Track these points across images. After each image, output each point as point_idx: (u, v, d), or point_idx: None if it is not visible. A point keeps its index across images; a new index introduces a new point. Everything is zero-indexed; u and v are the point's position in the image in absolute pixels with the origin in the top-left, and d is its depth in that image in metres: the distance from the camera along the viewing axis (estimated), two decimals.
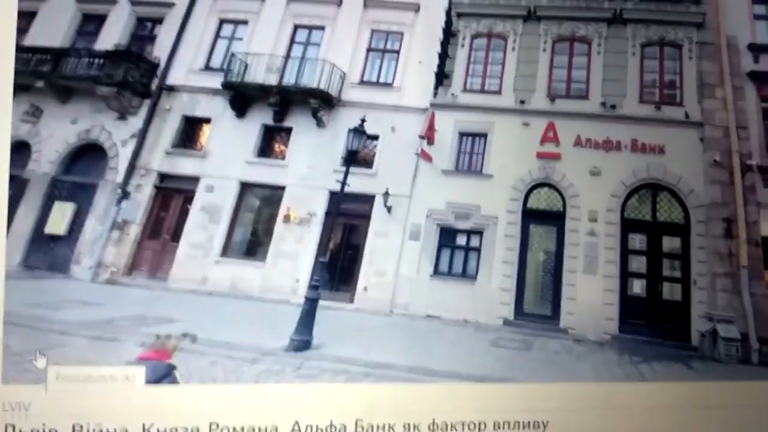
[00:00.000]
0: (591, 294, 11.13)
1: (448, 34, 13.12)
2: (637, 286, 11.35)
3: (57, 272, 12.23)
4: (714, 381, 8.05)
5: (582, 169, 11.88)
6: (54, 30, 14.08)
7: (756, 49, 12.25)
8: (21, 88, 13.04)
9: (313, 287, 8.51)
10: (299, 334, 8.04)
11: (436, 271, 11.86)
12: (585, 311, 11.03)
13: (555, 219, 11.91)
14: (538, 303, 11.59)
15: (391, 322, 11.00)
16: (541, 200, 12.12)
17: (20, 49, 12.89)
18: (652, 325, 11.03)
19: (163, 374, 4.56)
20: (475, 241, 11.95)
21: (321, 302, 8.60)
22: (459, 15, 13.40)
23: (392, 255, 11.90)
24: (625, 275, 11.37)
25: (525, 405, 5.61)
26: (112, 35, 14.01)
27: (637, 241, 11.60)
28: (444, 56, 12.97)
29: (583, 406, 5.71)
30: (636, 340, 10.68)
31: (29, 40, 13.80)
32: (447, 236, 12.07)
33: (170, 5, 14.20)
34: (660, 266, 11.44)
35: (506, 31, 13.19)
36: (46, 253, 12.58)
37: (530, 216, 12.03)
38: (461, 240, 12.05)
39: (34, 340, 6.96)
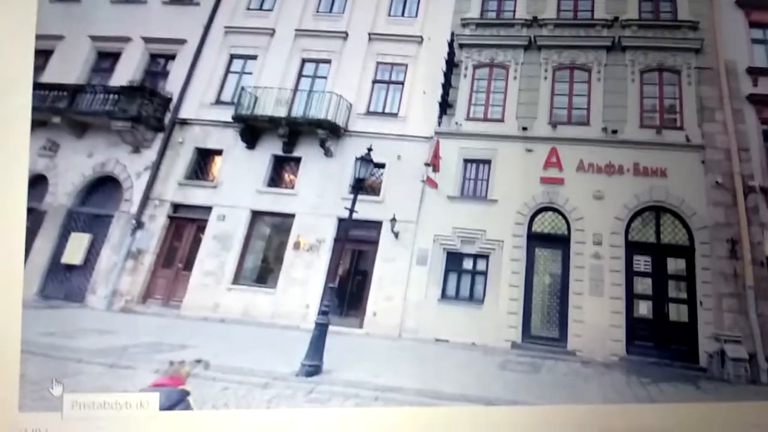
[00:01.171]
0: (598, 316, 11.56)
1: (451, 65, 13.90)
2: (644, 308, 11.75)
3: (73, 301, 12.85)
4: (723, 402, 8.60)
5: (585, 193, 12.47)
6: (70, 67, 15.04)
7: (755, 73, 12.93)
8: (38, 123, 13.92)
9: (322, 313, 8.78)
10: (310, 359, 8.31)
11: (444, 295, 12.35)
12: (592, 333, 11.45)
13: (560, 242, 12.43)
14: (546, 325, 12.00)
15: (400, 346, 11.34)
16: (546, 224, 12.65)
17: (37, 86, 13.89)
18: (660, 346, 11.40)
19: (176, 400, 4.80)
20: (481, 265, 12.46)
21: (331, 327, 8.85)
22: (461, 46, 14.25)
23: (400, 280, 12.41)
24: (631, 297, 11.81)
25: (534, 427, 6.13)
26: (127, 72, 15.00)
27: (642, 263, 12.05)
28: (447, 86, 13.71)
29: (592, 428, 6.26)
30: (644, 361, 11.03)
31: (46, 78, 14.75)
32: (454, 261, 12.60)
33: (182, 42, 15.20)
34: (666, 288, 11.88)
35: (507, 61, 13.99)
36: (63, 282, 13.21)
37: (535, 240, 12.54)
38: (468, 264, 12.55)
39: (50, 369, 7.29)
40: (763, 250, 11.58)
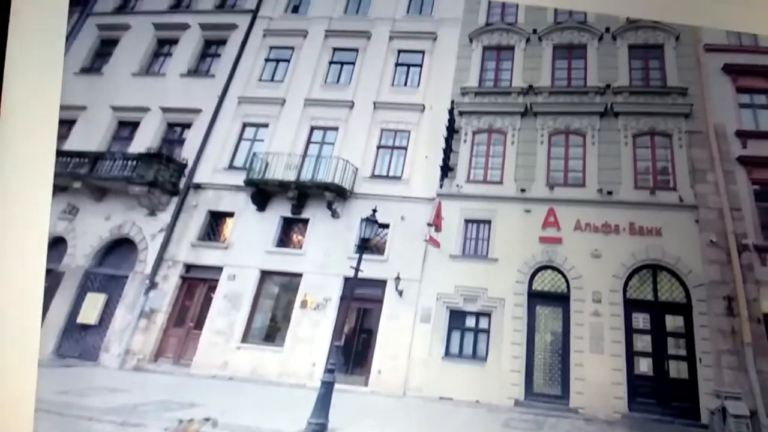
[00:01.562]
0: (599, 373, 11.70)
1: (452, 131, 14.60)
2: (644, 365, 11.87)
3: (87, 360, 13.09)
4: None
5: (583, 252, 12.81)
6: (92, 136, 15.82)
7: (743, 135, 13.46)
8: (60, 188, 14.65)
9: (328, 371, 8.92)
10: (316, 417, 8.44)
11: (447, 353, 12.51)
12: (594, 390, 11.55)
13: (560, 300, 12.69)
14: (548, 383, 12.10)
15: (405, 404, 11.50)
16: (546, 282, 12.95)
17: (60, 153, 14.65)
18: (661, 403, 11.48)
19: None
20: (483, 323, 12.68)
21: (336, 385, 8.94)
22: (461, 113, 15.01)
23: (404, 338, 12.61)
24: (632, 354, 11.95)
25: None
26: (145, 139, 15.76)
27: (641, 320, 12.25)
28: (448, 150, 14.35)
29: None
30: (646, 418, 11.13)
31: (69, 145, 15.54)
32: (457, 318, 12.82)
33: (198, 111, 16.06)
34: (665, 345, 12.04)
35: (505, 127, 14.69)
36: (78, 341, 13.48)
37: (536, 298, 12.80)
38: (470, 322, 12.77)
39: (62, 427, 7.64)
40: (760, 308, 11.74)
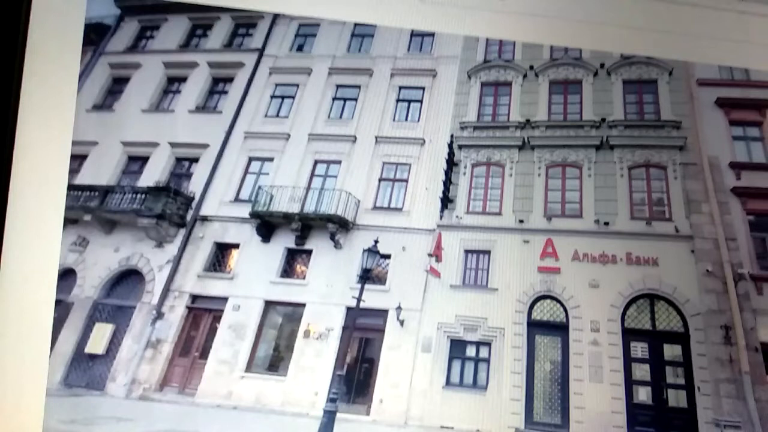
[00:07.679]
0: (598, 402, 11.83)
1: (451, 164, 15.06)
2: (643, 394, 12.02)
3: (94, 389, 13.29)
4: None
5: (581, 282, 13.06)
6: (102, 170, 16.29)
7: (737, 167, 13.81)
8: (70, 221, 15.03)
9: (331, 400, 9.20)
10: None
11: (448, 382, 12.67)
12: (593, 419, 11.69)
13: (559, 330, 12.90)
14: (548, 412, 12.24)
15: None
16: (545, 312, 13.18)
17: (71, 187, 15.10)
18: None
19: None
20: (484, 352, 12.86)
21: (338, 415, 9.26)
22: (460, 147, 15.46)
23: (406, 367, 12.80)
24: (630, 383, 12.10)
25: None
26: (154, 173, 16.25)
27: (639, 349, 12.43)
28: (448, 183, 14.78)
29: None
30: None
31: (80, 179, 15.94)
32: (457, 348, 13.01)
33: (205, 146, 16.59)
34: (663, 373, 12.20)
35: (503, 160, 15.11)
36: (85, 371, 13.70)
37: (535, 327, 13.01)
38: (471, 351, 12.95)
39: None
40: (757, 336, 11.92)
